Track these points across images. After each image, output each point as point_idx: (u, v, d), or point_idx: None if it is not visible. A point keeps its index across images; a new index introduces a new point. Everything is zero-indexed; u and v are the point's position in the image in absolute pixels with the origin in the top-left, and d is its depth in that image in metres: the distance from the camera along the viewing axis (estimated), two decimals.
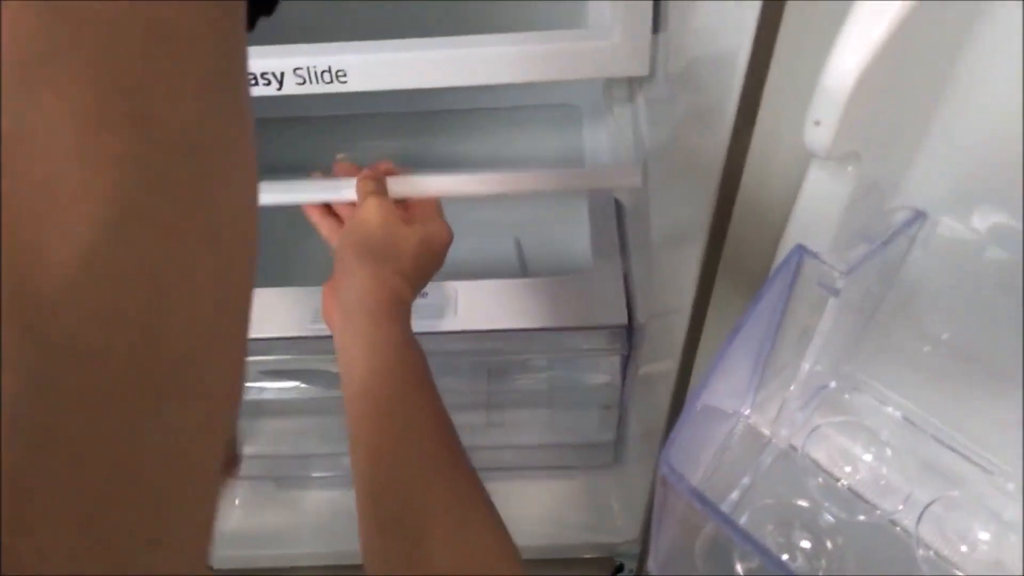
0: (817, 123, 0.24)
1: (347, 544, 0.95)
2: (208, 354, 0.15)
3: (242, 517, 0.96)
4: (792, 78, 0.31)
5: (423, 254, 0.54)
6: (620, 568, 0.96)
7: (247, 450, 0.96)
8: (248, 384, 0.84)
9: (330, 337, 0.75)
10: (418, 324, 0.73)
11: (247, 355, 0.18)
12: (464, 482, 0.42)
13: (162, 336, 0.13)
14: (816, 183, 0.29)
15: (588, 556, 0.98)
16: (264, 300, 0.73)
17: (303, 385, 0.84)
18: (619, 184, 0.64)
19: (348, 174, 0.60)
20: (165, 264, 0.13)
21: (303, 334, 0.71)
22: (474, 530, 0.40)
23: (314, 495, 0.98)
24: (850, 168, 0.27)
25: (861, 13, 0.23)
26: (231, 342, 0.16)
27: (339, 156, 0.63)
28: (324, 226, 0.61)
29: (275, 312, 0.72)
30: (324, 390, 0.83)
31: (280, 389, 0.84)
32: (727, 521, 0.27)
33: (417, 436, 0.43)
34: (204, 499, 0.16)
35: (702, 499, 0.26)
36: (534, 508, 0.97)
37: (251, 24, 0.25)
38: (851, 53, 0.22)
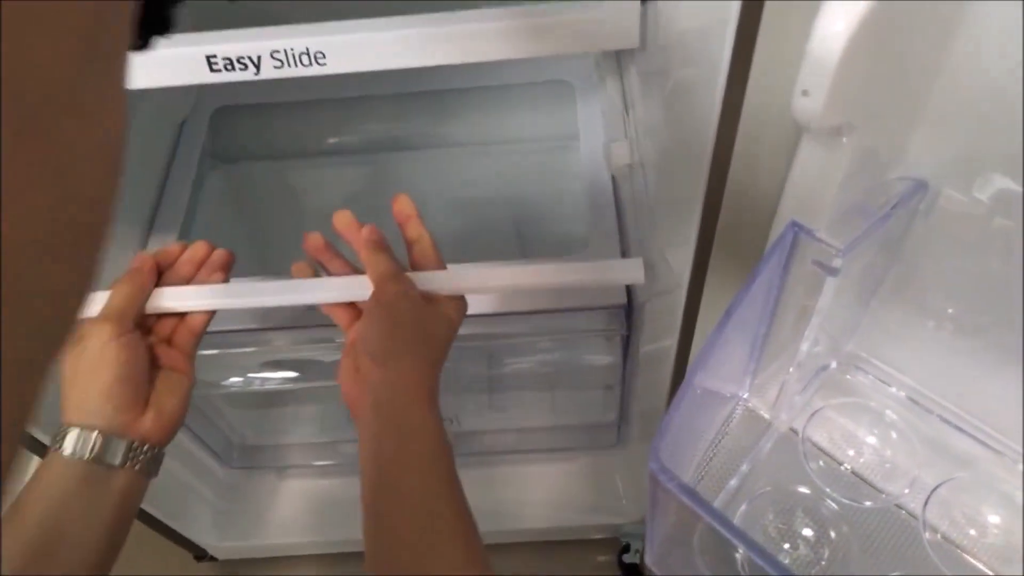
0: (805, 93, 0.22)
1: (347, 532, 0.95)
2: (31, 271, 0.17)
3: (244, 507, 0.96)
4: (781, 47, 0.29)
5: (450, 337, 0.52)
6: (627, 548, 0.96)
7: (247, 440, 0.96)
8: (250, 375, 0.83)
9: (329, 326, 0.74)
10: None
11: (85, 292, 0.20)
12: None
13: None
14: (808, 156, 0.27)
15: (594, 537, 0.97)
16: (264, 291, 0.72)
17: (304, 375, 0.83)
18: (622, 281, 0.61)
19: (349, 229, 0.55)
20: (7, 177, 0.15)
21: (300, 324, 0.70)
22: None
23: (315, 483, 0.98)
24: (844, 139, 0.26)
25: None
26: (60, 267, 0.18)
27: (337, 214, 0.57)
28: (338, 316, 0.56)
29: (275, 303, 0.71)
30: (324, 380, 0.82)
31: (281, 379, 0.83)
32: (719, 518, 0.25)
33: (444, 535, 0.41)
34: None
35: (693, 496, 0.25)
36: (539, 490, 0.96)
37: (145, 40, 0.27)
38: (838, 17, 0.20)
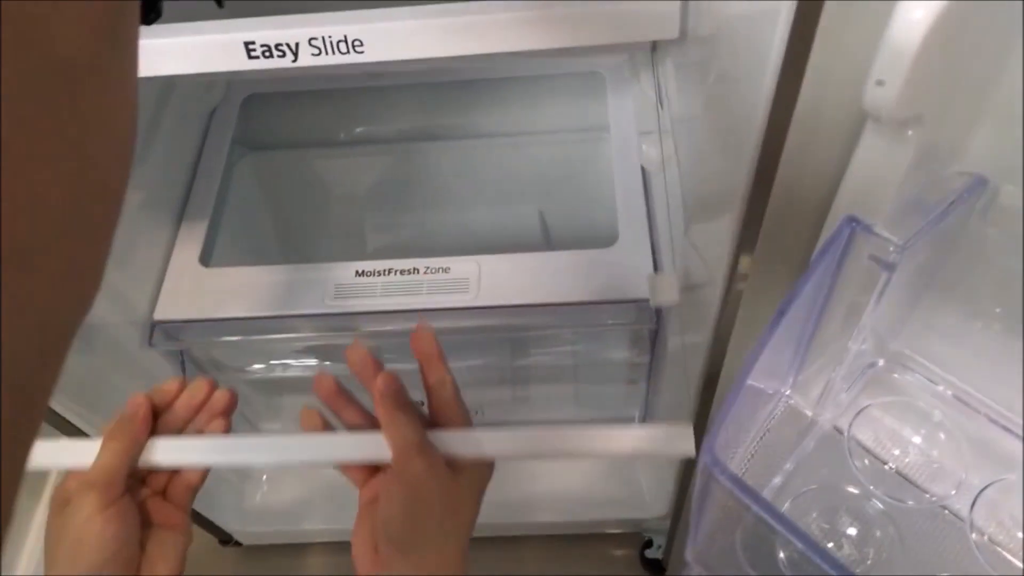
0: (880, 83, 0.22)
1: None
2: (48, 241, 0.17)
3: (268, 493, 0.97)
4: (843, 35, 0.28)
5: (477, 511, 0.45)
6: (649, 544, 0.95)
7: (271, 426, 0.96)
8: (272, 362, 0.84)
9: (352, 314, 0.74)
10: (441, 299, 0.72)
11: (100, 267, 0.20)
12: None
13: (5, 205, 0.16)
14: (871, 149, 0.27)
15: (617, 532, 0.97)
16: (284, 278, 0.72)
17: (326, 362, 0.83)
18: (671, 452, 0.47)
19: (363, 370, 0.48)
20: (23, 149, 0.16)
21: (324, 311, 0.70)
22: None
23: (337, 471, 0.98)
24: (910, 132, 0.25)
25: None
26: (78, 238, 0.19)
27: (350, 350, 0.48)
28: (352, 474, 0.49)
29: (295, 290, 0.71)
30: (345, 367, 0.82)
31: (303, 367, 0.83)
32: (775, 514, 0.25)
33: None
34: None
35: (748, 491, 0.25)
36: (562, 484, 0.96)
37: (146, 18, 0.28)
38: (918, 5, 0.20)
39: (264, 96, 0.86)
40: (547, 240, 0.95)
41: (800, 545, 0.25)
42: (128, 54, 0.20)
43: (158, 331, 0.71)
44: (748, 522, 0.33)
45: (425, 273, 0.72)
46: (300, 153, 0.90)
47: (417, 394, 0.88)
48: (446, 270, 0.72)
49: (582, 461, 0.97)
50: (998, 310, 0.37)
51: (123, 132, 0.20)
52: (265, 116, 0.87)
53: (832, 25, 0.30)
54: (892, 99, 0.22)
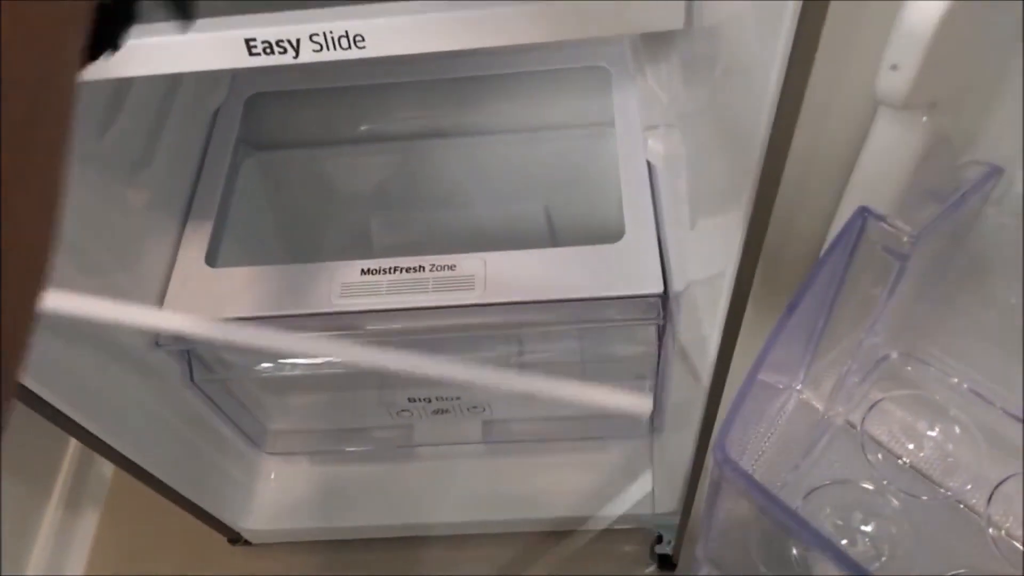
0: (894, 67, 0.21)
1: (379, 517, 0.96)
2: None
3: (276, 491, 0.97)
4: (855, 24, 0.28)
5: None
6: (659, 539, 0.95)
7: (280, 426, 0.96)
8: (280, 360, 0.84)
9: (359, 312, 0.74)
10: (447, 297, 0.71)
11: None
12: None
13: None
14: (884, 136, 0.26)
15: (626, 527, 0.96)
16: (290, 277, 0.72)
17: (333, 360, 0.83)
18: (625, 411, 0.53)
19: None
20: None
21: (330, 310, 0.70)
22: None
23: (346, 469, 0.98)
24: (924, 119, 0.24)
25: None
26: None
27: None
28: None
29: (302, 289, 0.71)
30: (352, 365, 0.82)
31: (310, 365, 0.83)
32: (790, 514, 0.24)
33: None
34: None
35: (761, 490, 0.24)
36: (570, 480, 0.96)
37: (95, 53, 0.27)
38: None
39: (268, 95, 0.86)
40: (552, 236, 0.94)
41: (816, 546, 0.24)
42: (70, 80, 0.19)
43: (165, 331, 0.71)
44: (761, 520, 0.32)
45: (431, 271, 0.71)
46: (305, 152, 0.89)
47: (422, 390, 0.87)
48: (452, 267, 0.71)
49: (590, 454, 0.97)
50: (1013, 300, 0.37)
51: (50, 192, 0.19)
52: (269, 115, 0.87)
53: (843, 11, 0.30)
54: (907, 84, 0.21)
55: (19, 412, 0.60)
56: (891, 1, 0.21)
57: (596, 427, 0.96)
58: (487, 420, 0.94)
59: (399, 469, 0.98)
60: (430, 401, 0.89)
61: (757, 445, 0.36)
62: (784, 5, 0.33)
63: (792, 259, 0.44)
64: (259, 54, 0.53)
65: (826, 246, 0.31)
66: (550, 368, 0.94)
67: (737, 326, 0.52)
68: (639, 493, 0.94)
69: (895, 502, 0.34)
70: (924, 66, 0.21)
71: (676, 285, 0.69)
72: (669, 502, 0.91)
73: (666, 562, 0.94)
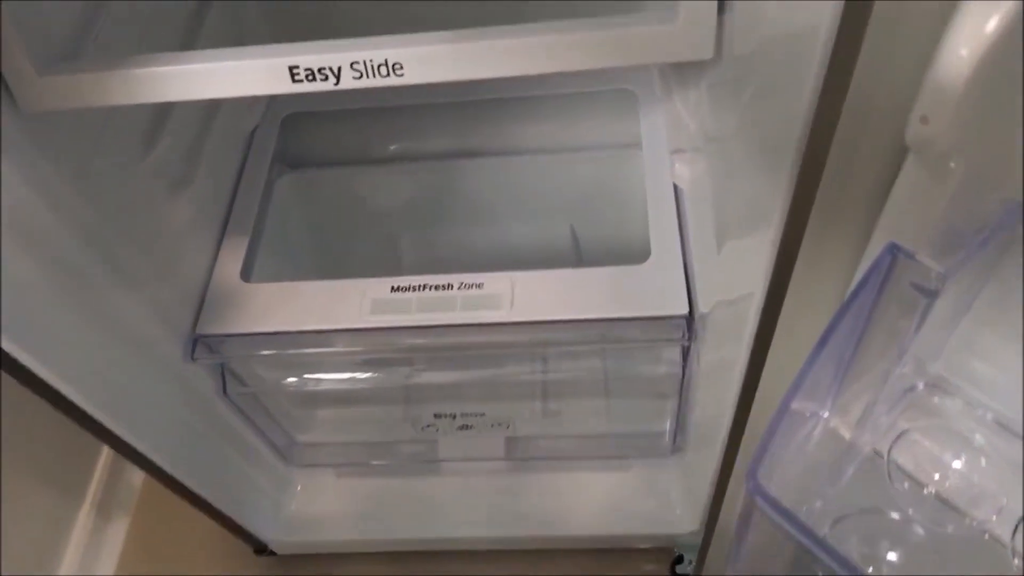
0: (924, 120, 0.22)
1: (403, 531, 0.97)
2: None
3: (302, 503, 0.98)
4: (887, 58, 0.28)
5: None
6: (680, 559, 0.95)
7: (308, 438, 0.98)
8: (306, 376, 0.85)
9: (388, 329, 0.75)
10: (475, 315, 0.73)
11: None
12: None
13: None
14: (912, 178, 0.27)
15: (647, 547, 0.97)
16: (322, 293, 0.74)
17: (360, 375, 0.84)
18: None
19: None
20: None
21: (361, 326, 0.72)
22: None
23: (371, 482, 0.99)
24: (953, 164, 0.25)
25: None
26: None
27: None
28: None
29: (333, 305, 0.73)
30: (380, 380, 0.83)
31: (337, 380, 0.84)
32: (820, 545, 0.25)
33: None
34: None
35: (794, 520, 0.25)
36: (592, 498, 0.96)
37: None
38: (964, 42, 0.20)
39: (303, 115, 0.88)
40: (578, 256, 0.95)
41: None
42: None
43: (200, 345, 0.72)
44: (788, 546, 0.33)
45: (459, 288, 0.73)
46: (338, 170, 0.91)
47: (447, 406, 0.88)
48: (480, 286, 0.73)
49: (612, 473, 0.97)
50: None
51: None
52: (304, 135, 0.89)
53: (879, 43, 0.30)
54: (936, 136, 0.22)
55: (55, 420, 0.62)
56: (920, 45, 0.22)
57: (618, 446, 0.96)
58: (510, 437, 0.95)
59: (423, 483, 0.99)
60: (455, 417, 0.90)
61: (784, 471, 0.37)
62: (815, 40, 0.34)
63: (822, 282, 0.45)
64: (302, 81, 0.54)
65: (857, 277, 0.32)
66: (574, 386, 0.94)
67: (765, 349, 0.53)
68: (661, 512, 0.94)
69: (921, 531, 0.35)
70: (954, 119, 0.21)
71: (702, 306, 0.70)
72: (691, 522, 0.91)
73: None
